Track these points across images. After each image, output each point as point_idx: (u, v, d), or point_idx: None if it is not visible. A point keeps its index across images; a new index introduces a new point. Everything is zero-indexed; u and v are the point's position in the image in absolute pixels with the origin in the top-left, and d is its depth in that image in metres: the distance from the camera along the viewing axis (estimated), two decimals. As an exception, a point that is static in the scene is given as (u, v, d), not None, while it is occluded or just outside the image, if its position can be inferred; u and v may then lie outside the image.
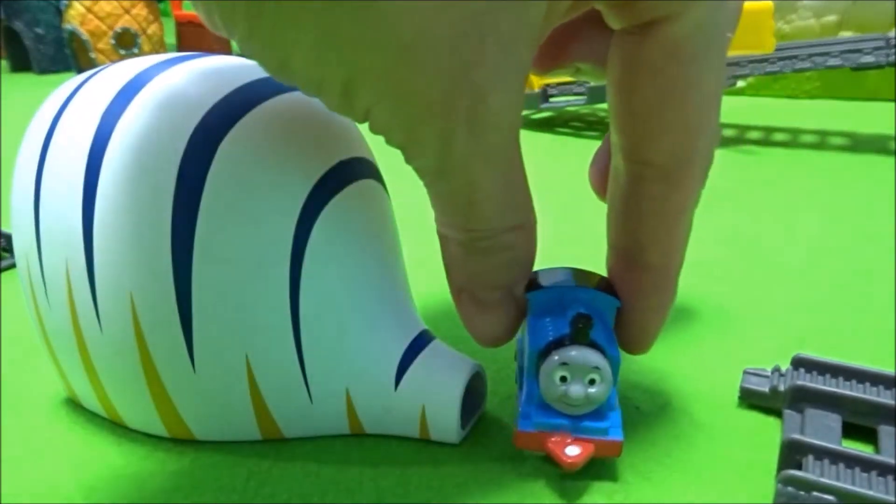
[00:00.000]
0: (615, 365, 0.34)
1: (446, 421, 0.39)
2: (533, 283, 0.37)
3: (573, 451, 0.34)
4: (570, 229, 0.70)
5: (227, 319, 0.36)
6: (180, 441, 0.40)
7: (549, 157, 0.96)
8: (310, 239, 0.36)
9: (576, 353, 0.33)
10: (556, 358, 0.33)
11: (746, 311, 0.53)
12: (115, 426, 0.42)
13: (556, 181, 0.85)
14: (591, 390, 0.34)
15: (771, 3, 0.85)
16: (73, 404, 0.44)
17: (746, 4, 0.88)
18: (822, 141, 0.98)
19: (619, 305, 0.36)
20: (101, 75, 0.39)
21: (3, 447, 0.41)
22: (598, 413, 0.35)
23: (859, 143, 0.96)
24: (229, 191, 0.34)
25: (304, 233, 0.36)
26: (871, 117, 1.09)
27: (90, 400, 0.42)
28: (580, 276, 0.37)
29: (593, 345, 0.33)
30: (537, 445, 0.35)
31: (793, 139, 1.00)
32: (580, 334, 0.33)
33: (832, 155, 0.92)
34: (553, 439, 0.34)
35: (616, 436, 0.34)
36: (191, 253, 0.34)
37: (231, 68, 0.38)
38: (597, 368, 0.33)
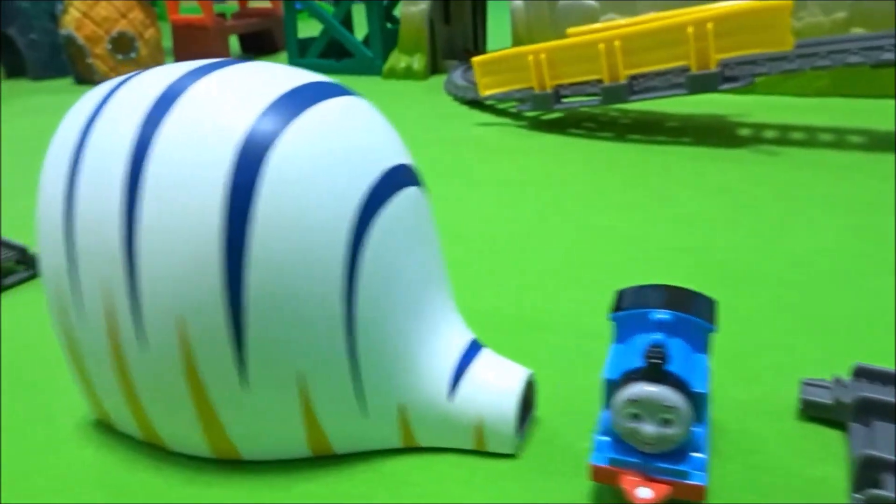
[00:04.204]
0: (700, 402, 0.31)
1: (504, 431, 0.37)
2: (619, 304, 0.36)
3: (645, 493, 0.32)
4: (584, 232, 0.68)
5: (281, 335, 0.34)
6: (224, 462, 0.39)
7: (561, 160, 0.95)
8: (363, 249, 0.34)
9: (646, 391, 0.31)
10: (626, 394, 0.31)
11: (789, 319, 0.52)
12: (151, 448, 0.40)
13: (570, 184, 0.84)
14: (666, 430, 0.31)
15: (790, 0, 0.84)
16: (104, 426, 0.43)
17: (764, 2, 0.87)
18: (839, 140, 0.97)
19: (712, 330, 0.34)
20: (129, 86, 0.37)
21: (30, 475, 0.39)
22: (678, 454, 0.32)
23: (877, 142, 0.95)
24: (282, 202, 0.33)
25: (358, 243, 0.34)
26: (885, 115, 1.08)
27: (126, 421, 0.40)
28: (671, 295, 0.35)
29: (671, 380, 0.31)
30: (611, 480, 0.33)
31: (810, 138, 0.99)
32: (653, 369, 0.31)
33: (851, 154, 0.91)
34: (627, 477, 0.32)
35: (698, 480, 0.32)
36: (243, 269, 0.33)
37: (267, 77, 0.37)
38: (670, 408, 0.31)
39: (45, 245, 0.38)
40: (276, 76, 0.37)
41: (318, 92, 0.36)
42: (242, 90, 0.35)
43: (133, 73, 0.39)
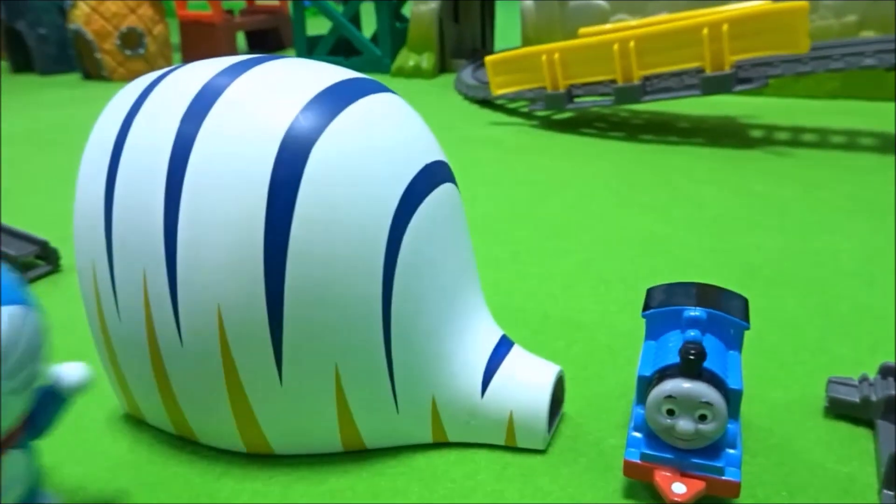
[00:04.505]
0: (734, 398, 0.32)
1: (534, 427, 0.38)
2: (650, 301, 0.36)
3: (680, 488, 0.32)
4: (606, 231, 0.69)
5: (319, 329, 0.34)
6: (255, 456, 0.39)
7: (578, 159, 0.95)
8: (401, 245, 0.35)
9: (684, 387, 0.31)
10: (662, 390, 0.31)
11: (815, 318, 0.52)
12: (183, 442, 0.40)
13: (589, 183, 0.84)
14: (703, 426, 0.31)
15: (806, 2, 0.84)
16: (135, 421, 0.43)
17: (780, 4, 0.87)
18: (851, 141, 0.97)
19: (747, 328, 0.34)
20: (167, 82, 0.38)
21: (65, 468, 0.39)
22: (713, 450, 0.32)
23: (889, 144, 0.95)
24: (323, 197, 0.33)
25: (397, 239, 0.35)
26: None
27: (158, 415, 0.40)
28: (703, 293, 0.35)
29: (707, 376, 0.31)
30: (644, 476, 0.34)
31: (822, 140, 0.99)
32: (690, 366, 0.31)
33: (865, 156, 0.91)
34: (661, 472, 0.33)
35: (733, 476, 0.32)
36: (284, 262, 0.33)
37: (305, 73, 0.37)
38: (707, 404, 0.31)
39: (83, 238, 0.39)
40: (315, 72, 0.37)
41: (357, 88, 0.36)
42: (283, 86, 0.36)
43: (170, 69, 0.39)
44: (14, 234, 0.67)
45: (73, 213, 0.40)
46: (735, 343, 0.34)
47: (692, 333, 0.32)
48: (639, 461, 0.33)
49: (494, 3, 1.83)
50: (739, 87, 0.92)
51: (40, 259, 0.66)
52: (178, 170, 0.34)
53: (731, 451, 0.32)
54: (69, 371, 0.31)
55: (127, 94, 0.39)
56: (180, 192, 0.34)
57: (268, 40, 2.25)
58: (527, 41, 1.47)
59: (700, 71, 0.94)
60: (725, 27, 0.89)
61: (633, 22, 1.19)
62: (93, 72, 1.81)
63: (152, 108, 0.37)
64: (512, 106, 1.29)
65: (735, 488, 0.32)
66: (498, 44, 1.86)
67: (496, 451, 0.39)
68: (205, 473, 0.38)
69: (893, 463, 0.34)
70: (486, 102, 1.32)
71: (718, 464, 0.32)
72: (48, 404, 0.31)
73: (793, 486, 0.36)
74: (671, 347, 0.33)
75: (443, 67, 1.70)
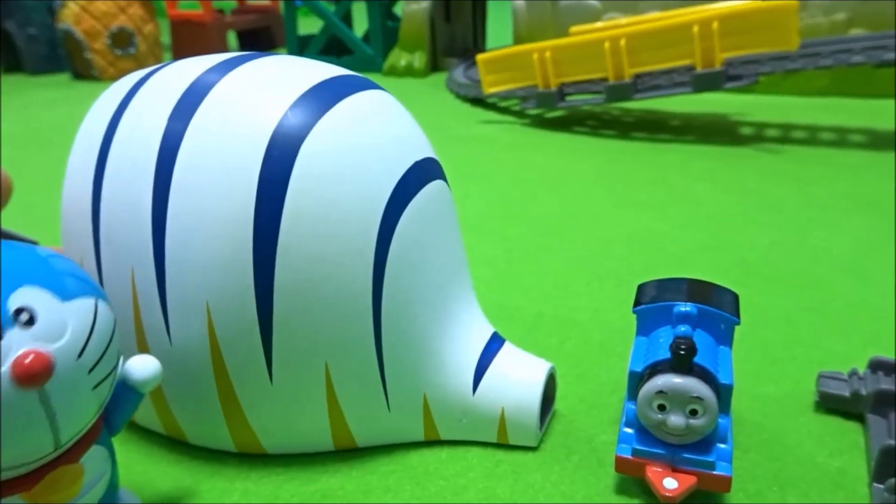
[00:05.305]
0: (725, 393, 0.32)
1: (526, 424, 0.38)
2: (641, 297, 0.36)
3: (671, 483, 0.32)
4: (600, 229, 0.69)
5: (308, 327, 0.34)
6: (246, 456, 0.39)
7: (571, 157, 0.95)
8: (392, 242, 0.35)
9: (674, 382, 0.31)
10: (653, 385, 0.31)
11: (808, 314, 0.52)
12: (172, 443, 0.40)
13: (583, 180, 0.84)
14: (693, 421, 0.31)
15: (796, 0, 0.85)
16: (125, 419, 0.43)
17: (770, 2, 0.87)
18: (841, 139, 0.98)
19: (737, 323, 0.34)
20: (155, 79, 0.37)
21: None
22: (704, 445, 0.32)
23: (879, 141, 0.96)
24: (313, 195, 0.33)
25: (387, 236, 0.35)
26: (885, 114, 1.09)
27: (147, 415, 0.40)
28: (694, 288, 0.35)
29: (698, 371, 0.31)
30: (636, 472, 0.34)
31: (812, 137, 0.99)
32: (681, 361, 0.31)
33: (855, 153, 0.91)
34: (653, 468, 0.33)
35: (724, 471, 0.32)
36: (273, 260, 0.33)
37: (295, 70, 0.37)
38: (698, 399, 0.31)
39: (70, 236, 0.38)
40: (304, 69, 0.37)
41: (346, 85, 0.36)
42: (272, 83, 0.35)
43: (158, 66, 0.39)
44: (2, 234, 0.67)
45: (61, 211, 0.39)
46: (726, 338, 0.34)
47: (683, 329, 0.32)
48: (630, 457, 0.33)
49: (486, 2, 1.83)
50: (730, 84, 0.93)
51: (29, 259, 0.65)
52: (167, 167, 0.34)
53: (722, 445, 0.32)
54: (140, 364, 0.31)
55: (115, 91, 0.39)
56: (168, 190, 0.34)
57: (259, 39, 2.24)
58: (518, 40, 1.48)
59: (691, 68, 0.95)
60: (716, 25, 0.89)
61: (624, 20, 1.20)
62: (83, 72, 1.81)
63: (140, 105, 0.36)
64: (504, 104, 1.29)
65: (726, 483, 0.32)
66: (490, 43, 1.86)
67: (488, 449, 0.39)
68: (195, 473, 0.38)
69: (883, 456, 0.34)
70: (478, 101, 1.32)
71: (709, 458, 0.32)
72: (122, 399, 0.30)
73: (784, 481, 0.36)
74: (662, 343, 0.33)
75: (434, 66, 1.70)
